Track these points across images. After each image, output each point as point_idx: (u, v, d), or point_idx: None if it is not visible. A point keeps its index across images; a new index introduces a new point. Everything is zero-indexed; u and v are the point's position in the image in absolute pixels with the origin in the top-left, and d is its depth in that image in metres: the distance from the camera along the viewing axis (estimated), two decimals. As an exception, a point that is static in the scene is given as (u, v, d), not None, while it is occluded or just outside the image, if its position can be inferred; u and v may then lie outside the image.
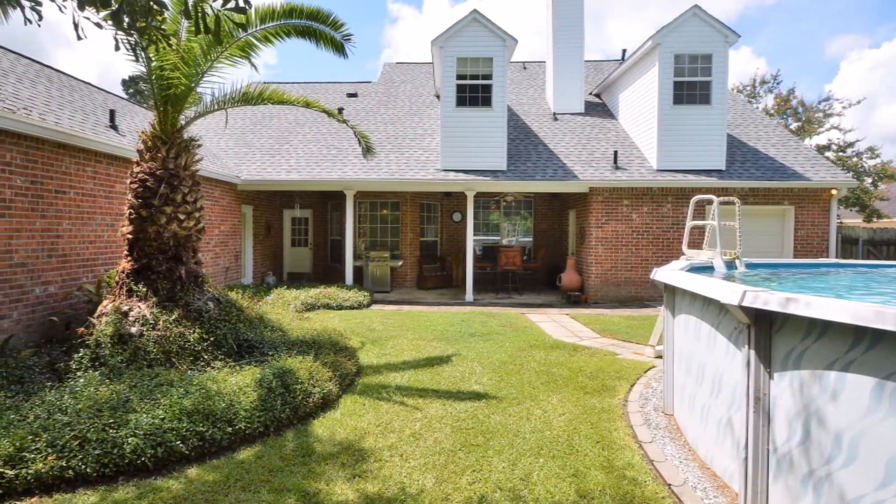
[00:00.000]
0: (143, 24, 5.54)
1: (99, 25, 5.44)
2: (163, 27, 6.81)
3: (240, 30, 9.82)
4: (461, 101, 20.18)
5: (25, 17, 5.12)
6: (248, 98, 11.18)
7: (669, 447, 6.65)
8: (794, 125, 40.31)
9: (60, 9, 5.18)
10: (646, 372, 10.10)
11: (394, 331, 13.69)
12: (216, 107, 11.16)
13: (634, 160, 20.42)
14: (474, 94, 20.18)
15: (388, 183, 19.80)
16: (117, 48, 6.04)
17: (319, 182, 20.05)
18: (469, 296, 19.90)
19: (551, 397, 8.57)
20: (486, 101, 20.10)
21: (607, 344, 12.55)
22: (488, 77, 20.04)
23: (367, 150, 13.38)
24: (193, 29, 8.25)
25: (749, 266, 9.38)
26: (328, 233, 25.48)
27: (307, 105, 11.69)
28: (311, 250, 25.87)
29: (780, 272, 9.98)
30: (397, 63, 32.39)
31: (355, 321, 14.97)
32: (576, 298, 19.39)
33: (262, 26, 10.18)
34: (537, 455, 6.45)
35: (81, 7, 4.88)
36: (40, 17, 5.21)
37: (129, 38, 8.49)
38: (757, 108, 37.80)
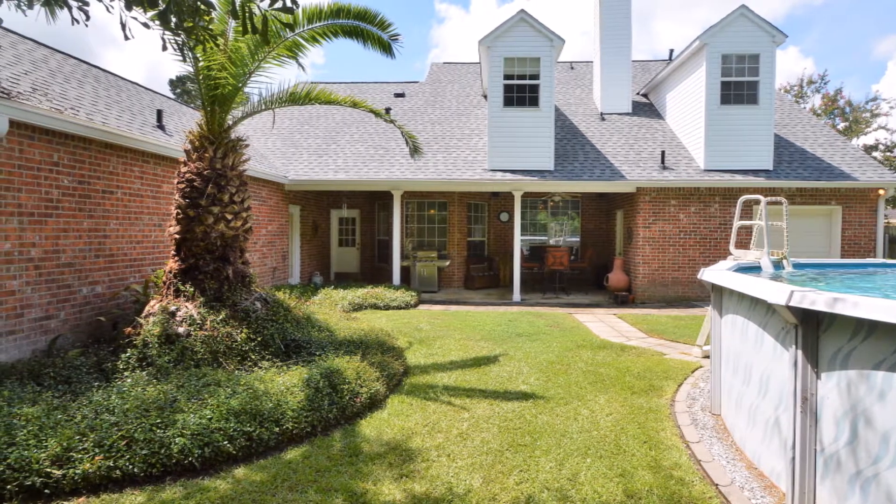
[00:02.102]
0: (191, 24, 5.61)
1: (146, 25, 5.52)
2: (210, 27, 6.87)
3: (287, 30, 9.86)
4: (508, 102, 20.17)
5: (73, 17, 5.20)
6: (295, 98, 11.26)
7: (717, 447, 6.63)
8: (841, 125, 39.93)
9: (108, 9, 5.25)
10: (693, 372, 10.03)
11: (441, 331, 13.76)
12: (263, 107, 11.26)
13: (682, 160, 20.24)
14: (521, 94, 20.16)
15: (436, 183, 19.85)
16: (164, 48, 6.12)
17: (367, 182, 20.19)
18: (516, 296, 19.89)
19: (598, 397, 8.56)
20: (534, 101, 20.06)
21: (654, 344, 12.48)
22: (535, 77, 20.00)
23: (415, 150, 13.42)
24: (241, 29, 8.33)
25: (796, 266, 9.26)
26: (375, 233, 25.60)
27: (354, 105, 11.75)
28: (358, 250, 26.02)
29: (827, 272, 9.85)
30: (444, 63, 32.44)
31: (402, 321, 15.06)
32: (623, 298, 19.28)
33: (310, 26, 10.23)
34: (584, 455, 6.46)
35: (129, 7, 4.96)
36: (87, 17, 5.29)
37: (177, 38, 8.59)
38: (804, 108, 37.42)
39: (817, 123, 23.16)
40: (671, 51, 27.27)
